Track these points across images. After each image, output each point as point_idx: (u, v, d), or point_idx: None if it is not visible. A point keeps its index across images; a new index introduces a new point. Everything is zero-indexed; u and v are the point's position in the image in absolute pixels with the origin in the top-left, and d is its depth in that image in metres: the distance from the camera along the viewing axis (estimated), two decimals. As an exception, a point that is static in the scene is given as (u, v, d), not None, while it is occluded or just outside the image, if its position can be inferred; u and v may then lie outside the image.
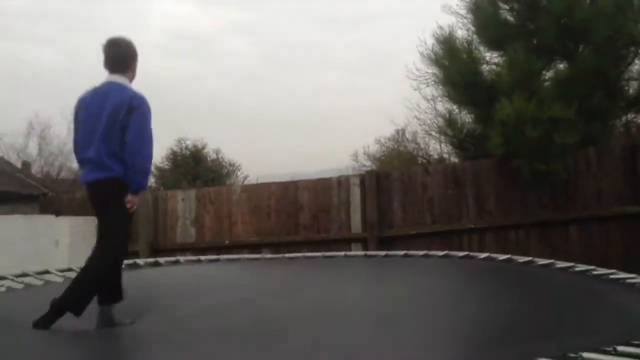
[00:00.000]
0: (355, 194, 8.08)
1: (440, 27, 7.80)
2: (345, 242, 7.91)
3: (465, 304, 3.66)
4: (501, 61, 7.65)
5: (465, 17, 7.92)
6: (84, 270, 3.51)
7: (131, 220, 3.70)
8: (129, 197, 3.44)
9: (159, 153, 17.04)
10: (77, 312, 3.30)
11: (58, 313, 3.25)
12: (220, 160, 17.38)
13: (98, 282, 3.42)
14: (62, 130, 10.70)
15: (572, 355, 2.24)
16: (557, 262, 4.75)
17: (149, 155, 3.53)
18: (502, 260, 5.13)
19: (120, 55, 3.61)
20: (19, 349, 2.97)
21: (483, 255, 5.45)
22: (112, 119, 3.40)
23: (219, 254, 6.54)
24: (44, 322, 3.21)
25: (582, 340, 2.49)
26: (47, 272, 5.35)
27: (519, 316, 3.24)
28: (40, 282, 4.99)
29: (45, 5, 36.70)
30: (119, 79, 3.57)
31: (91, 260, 3.50)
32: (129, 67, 3.63)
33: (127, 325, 3.42)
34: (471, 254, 5.62)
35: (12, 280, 4.90)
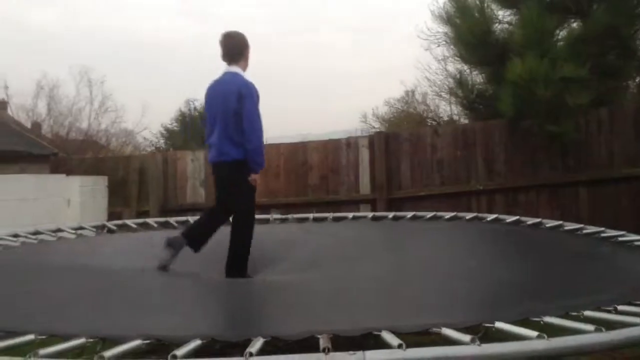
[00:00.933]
0: (364, 155, 8.06)
1: (453, -16, 7.63)
2: (353, 203, 7.94)
3: (472, 264, 3.68)
4: (514, 20, 7.50)
5: (478, -26, 7.73)
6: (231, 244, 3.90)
7: (254, 195, 4.02)
8: (252, 176, 3.90)
9: (168, 114, 17.08)
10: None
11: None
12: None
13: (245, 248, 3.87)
14: (71, 90, 10.67)
15: (574, 314, 2.26)
16: (565, 223, 4.76)
17: (259, 138, 3.89)
18: (511, 222, 5.15)
19: (232, 47, 4.01)
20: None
21: (491, 216, 5.47)
22: (226, 107, 3.86)
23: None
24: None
25: (586, 300, 2.51)
26: (59, 229, 5.43)
27: (524, 277, 3.26)
28: (54, 239, 5.07)
29: (51, -37, 36.19)
30: (233, 68, 4.00)
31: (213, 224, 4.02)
32: (242, 57, 4.03)
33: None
34: (480, 215, 5.64)
35: (26, 237, 4.98)
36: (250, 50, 4.09)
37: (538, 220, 5.07)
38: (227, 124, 3.85)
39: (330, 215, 6.06)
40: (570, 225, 4.68)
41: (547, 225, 4.84)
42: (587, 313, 2.25)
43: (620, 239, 4.05)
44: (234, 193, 3.95)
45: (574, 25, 7.34)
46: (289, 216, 6.23)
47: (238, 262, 3.84)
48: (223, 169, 3.95)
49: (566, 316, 2.23)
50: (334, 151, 8.14)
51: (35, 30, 30.75)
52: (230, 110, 3.84)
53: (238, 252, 3.86)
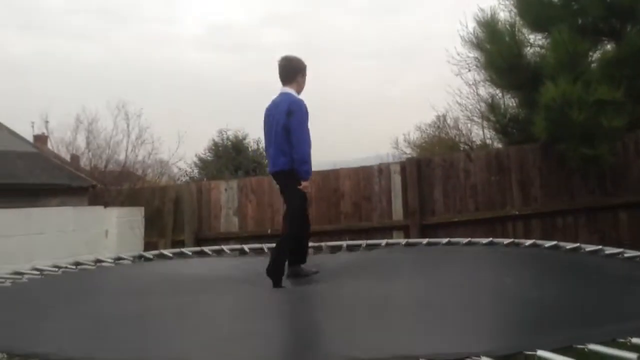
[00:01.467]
0: (396, 181, 8.05)
1: (482, 10, 7.65)
2: (386, 230, 7.91)
3: (512, 290, 3.62)
4: (545, 43, 7.45)
5: (507, -1, 7.75)
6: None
7: (306, 201, 4.49)
8: (303, 184, 4.28)
9: (202, 144, 17.37)
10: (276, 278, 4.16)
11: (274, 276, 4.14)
12: (261, 150, 17.53)
13: (284, 251, 4.31)
14: (109, 123, 10.93)
15: (621, 340, 2.20)
16: (605, 248, 4.64)
17: (305, 151, 4.26)
18: (549, 247, 5.05)
19: (287, 69, 4.40)
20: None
21: (529, 242, 5.37)
22: (277, 122, 4.26)
23: (261, 243, 6.63)
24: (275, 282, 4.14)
25: (632, 325, 2.44)
26: (99, 260, 5.53)
27: (567, 302, 3.19)
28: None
29: (84, 1, 37.56)
30: (286, 89, 4.38)
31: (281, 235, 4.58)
32: (294, 79, 4.39)
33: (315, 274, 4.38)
34: (516, 240, 5.55)
35: (68, 269, 5.09)
36: (306, 74, 4.46)
37: (577, 245, 4.96)
38: (279, 138, 4.25)
39: (363, 242, 6.04)
40: (610, 250, 4.57)
41: (587, 250, 4.74)
42: (635, 340, 2.19)
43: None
44: (288, 198, 4.46)
45: (608, 47, 7.27)
46: (322, 244, 6.22)
47: (279, 248, 4.31)
48: (278, 177, 4.44)
49: (612, 343, 2.17)
50: (365, 178, 8.15)
51: (73, 64, 31.84)
52: (280, 124, 4.23)
53: (283, 242, 4.36)
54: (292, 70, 4.39)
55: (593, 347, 2.12)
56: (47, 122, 12.42)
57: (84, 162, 11.30)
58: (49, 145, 13.03)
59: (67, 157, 12.30)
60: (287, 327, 3.11)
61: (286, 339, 2.82)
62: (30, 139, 14.20)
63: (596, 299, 3.22)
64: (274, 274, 4.15)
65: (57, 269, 5.01)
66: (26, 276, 4.77)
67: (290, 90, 4.36)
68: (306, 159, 4.28)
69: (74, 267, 5.18)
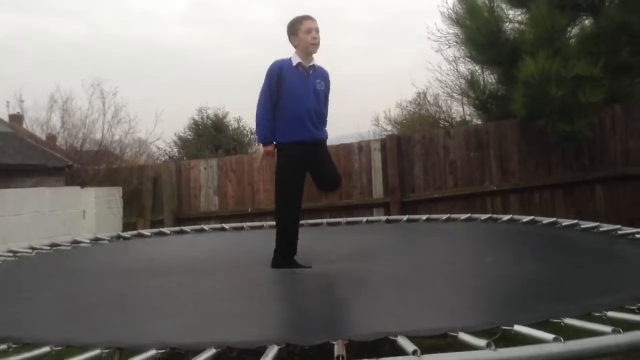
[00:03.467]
0: (377, 158, 8.05)
1: (462, -15, 7.60)
2: (367, 207, 7.93)
3: (489, 266, 3.65)
4: (524, 19, 7.44)
5: (487, -26, 7.70)
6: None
7: (284, 176, 3.94)
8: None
9: (182, 123, 17.18)
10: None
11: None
12: (242, 128, 17.44)
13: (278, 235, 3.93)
14: (84, 102, 10.74)
15: (597, 314, 2.22)
16: (581, 222, 4.70)
17: (256, 114, 3.95)
18: (526, 222, 5.10)
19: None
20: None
21: (506, 217, 5.42)
22: None
23: (242, 222, 6.61)
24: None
25: (607, 299, 2.47)
26: (75, 241, 5.46)
27: (543, 277, 3.22)
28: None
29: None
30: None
31: None
32: (291, 42, 3.97)
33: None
34: (494, 216, 5.61)
35: (43, 250, 5.02)
36: (298, 29, 3.90)
37: (553, 219, 5.02)
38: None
39: (343, 219, 6.05)
40: (586, 224, 4.63)
41: (563, 224, 4.79)
42: (610, 314, 2.21)
43: (637, 235, 3.98)
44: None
45: (586, 22, 7.28)
46: (303, 222, 6.21)
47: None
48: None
49: (588, 317, 2.19)
50: (346, 155, 8.13)
51: (47, 43, 31.16)
52: None
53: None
54: (288, 35, 3.99)
55: (569, 321, 2.14)
56: (21, 101, 12.19)
57: (59, 141, 11.11)
58: (24, 125, 12.78)
59: (43, 137, 12.08)
60: (272, 307, 3.09)
61: (271, 319, 2.80)
62: (5, 118, 13.93)
63: (573, 273, 3.25)
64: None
65: (31, 251, 4.93)
66: (0, 258, 4.69)
67: (294, 51, 3.96)
68: (257, 122, 3.97)
69: (49, 248, 5.11)
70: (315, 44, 3.90)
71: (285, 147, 3.88)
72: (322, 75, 4.03)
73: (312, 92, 3.91)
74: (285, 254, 3.88)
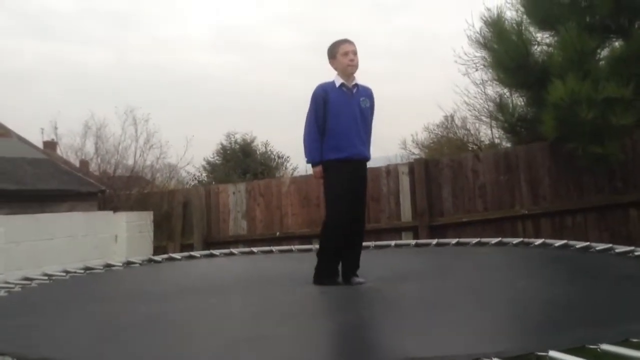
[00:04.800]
0: (404, 182, 8.03)
1: (488, 9, 7.60)
2: (395, 231, 7.89)
3: (522, 290, 3.60)
4: (553, 41, 7.41)
5: (514, -2, 7.71)
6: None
7: (333, 192, 4.06)
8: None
9: (210, 148, 17.42)
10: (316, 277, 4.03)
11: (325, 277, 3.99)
12: (269, 153, 17.60)
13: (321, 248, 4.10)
14: (117, 128, 10.98)
15: (634, 340, 2.18)
16: (616, 246, 4.61)
17: (304, 137, 4.08)
18: (559, 246, 5.02)
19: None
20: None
21: (538, 241, 5.35)
22: None
23: (270, 246, 6.65)
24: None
25: (645, 325, 2.42)
26: (108, 265, 5.55)
27: (578, 302, 3.16)
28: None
29: (94, 6, 37.82)
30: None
31: None
32: (331, 65, 4.12)
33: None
34: (526, 240, 5.53)
35: (77, 273, 5.11)
36: (336, 52, 4.06)
37: (587, 243, 4.93)
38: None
39: (372, 243, 6.03)
40: (620, 248, 4.54)
41: (597, 248, 4.71)
42: (648, 339, 2.16)
43: (675, 261, 3.89)
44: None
45: (616, 44, 7.22)
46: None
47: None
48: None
49: (625, 343, 2.14)
50: (374, 179, 8.13)
51: (80, 71, 32.05)
52: None
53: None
54: (328, 59, 4.15)
55: (606, 347, 2.10)
56: (56, 128, 12.45)
57: (92, 167, 11.33)
58: (58, 151, 13.08)
59: (76, 163, 12.34)
60: (303, 330, 3.09)
61: (301, 342, 2.80)
62: (40, 145, 14.30)
63: (608, 298, 3.19)
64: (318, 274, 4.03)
65: (65, 274, 5.03)
66: (35, 281, 4.80)
67: (335, 74, 4.11)
68: (305, 145, 4.09)
69: (83, 271, 5.21)
70: (352, 65, 4.05)
71: (334, 164, 3.99)
72: (366, 94, 4.15)
73: (357, 110, 4.04)
74: (327, 268, 4.00)
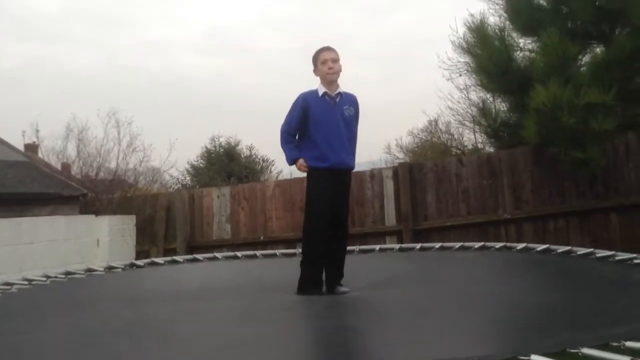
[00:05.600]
0: (389, 186, 8.05)
1: (472, 15, 7.68)
2: (379, 235, 7.91)
3: (504, 294, 3.62)
4: (535, 47, 7.49)
5: (497, 3, 7.79)
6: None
7: (313, 199, 4.09)
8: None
9: (194, 151, 17.33)
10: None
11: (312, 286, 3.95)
12: (254, 156, 17.52)
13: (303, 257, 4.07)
14: (99, 131, 10.86)
15: (614, 344, 2.20)
16: (597, 250, 4.67)
17: (280, 141, 4.10)
18: (541, 251, 5.07)
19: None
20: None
21: (521, 245, 5.39)
22: None
23: (254, 250, 6.62)
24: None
25: (625, 329, 2.44)
26: (90, 269, 5.49)
27: (559, 306, 3.19)
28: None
29: (79, 6, 37.46)
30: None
31: None
32: (314, 72, 4.12)
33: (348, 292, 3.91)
34: (508, 244, 5.57)
35: (58, 278, 5.05)
36: (318, 59, 4.05)
37: (568, 248, 4.98)
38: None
39: (356, 247, 6.03)
40: (602, 252, 4.59)
41: (578, 253, 4.76)
42: (629, 343, 2.18)
43: (655, 265, 3.95)
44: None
45: (597, 50, 7.31)
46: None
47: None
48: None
49: (606, 347, 2.16)
50: (358, 183, 8.14)
51: (64, 73, 31.72)
52: None
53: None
54: (313, 67, 4.15)
55: (587, 351, 2.12)
56: (37, 130, 12.30)
57: (74, 170, 11.21)
58: (40, 154, 12.93)
59: (58, 166, 12.21)
60: (285, 334, 3.08)
61: (284, 349, 2.79)
62: (21, 148, 14.11)
63: (589, 302, 3.22)
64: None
65: (46, 279, 4.97)
66: (15, 286, 4.73)
67: (319, 82, 4.10)
68: (282, 149, 4.12)
69: (64, 276, 5.14)
70: (331, 73, 4.01)
71: (315, 171, 4.02)
72: (350, 102, 4.12)
73: (340, 119, 4.02)
74: (309, 276, 3.96)
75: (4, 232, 7.55)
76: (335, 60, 4.03)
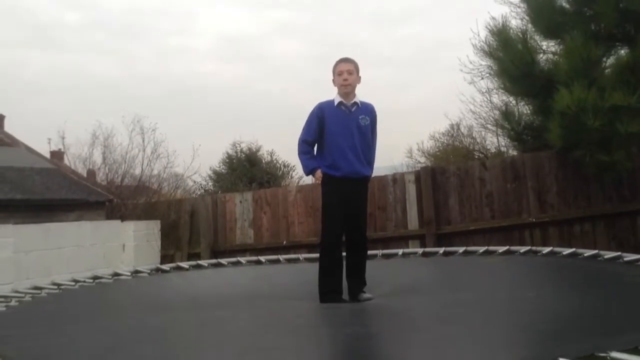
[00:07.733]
0: (411, 190, 8.03)
1: (493, 18, 7.63)
2: (402, 240, 7.89)
3: (532, 299, 3.60)
4: (558, 50, 7.42)
5: (519, 6, 7.72)
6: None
7: (326, 208, 4.12)
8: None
9: (216, 157, 17.46)
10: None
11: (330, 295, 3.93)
12: (275, 161, 17.59)
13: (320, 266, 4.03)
14: (124, 138, 11.04)
15: (644, 348, 2.18)
16: (624, 254, 4.60)
17: (297, 152, 4.14)
18: (567, 255, 5.01)
19: None
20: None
21: (546, 249, 5.34)
22: None
23: (276, 254, 6.65)
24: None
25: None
26: (116, 274, 5.57)
27: (587, 311, 3.16)
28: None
29: (100, 17, 38.10)
30: None
31: None
32: (333, 83, 4.15)
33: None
34: (534, 248, 5.52)
35: (86, 283, 5.14)
36: (335, 72, 4.10)
37: (595, 252, 4.92)
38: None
39: (379, 252, 6.03)
40: (629, 256, 4.53)
41: (606, 257, 4.70)
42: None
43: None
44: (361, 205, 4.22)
45: (621, 52, 7.22)
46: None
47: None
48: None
49: (635, 351, 2.15)
50: (380, 187, 8.14)
51: (87, 81, 32.27)
52: None
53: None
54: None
55: (615, 355, 2.10)
56: (63, 138, 12.50)
57: (100, 177, 11.38)
58: (66, 161, 13.14)
59: (84, 173, 12.39)
60: (310, 342, 3.10)
61: (309, 355, 2.81)
62: (47, 155, 14.37)
63: (617, 306, 3.19)
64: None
65: (75, 283, 5.06)
66: (45, 291, 4.83)
67: (336, 91, 4.14)
68: (299, 159, 4.17)
69: (92, 280, 5.23)
70: (345, 85, 4.05)
71: (330, 180, 4.04)
72: (366, 111, 4.13)
73: (355, 129, 4.03)
74: (328, 285, 3.94)
75: (33, 238, 7.71)
76: (351, 72, 4.06)
